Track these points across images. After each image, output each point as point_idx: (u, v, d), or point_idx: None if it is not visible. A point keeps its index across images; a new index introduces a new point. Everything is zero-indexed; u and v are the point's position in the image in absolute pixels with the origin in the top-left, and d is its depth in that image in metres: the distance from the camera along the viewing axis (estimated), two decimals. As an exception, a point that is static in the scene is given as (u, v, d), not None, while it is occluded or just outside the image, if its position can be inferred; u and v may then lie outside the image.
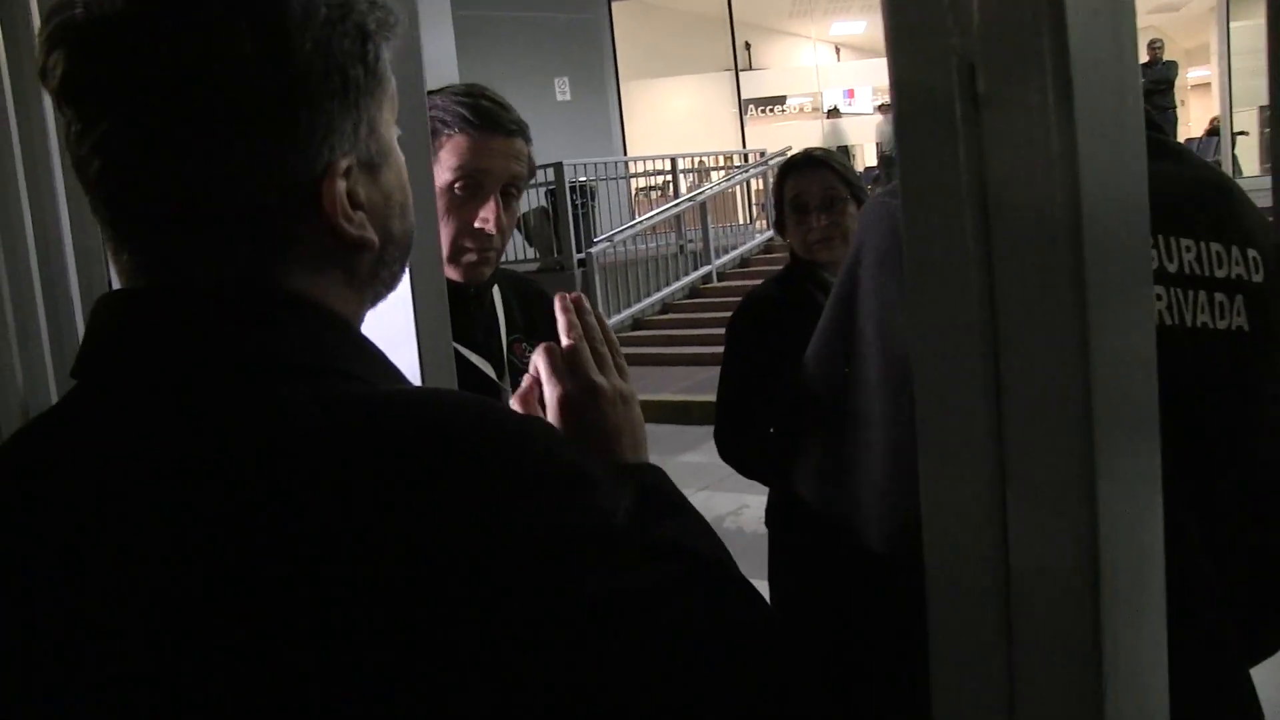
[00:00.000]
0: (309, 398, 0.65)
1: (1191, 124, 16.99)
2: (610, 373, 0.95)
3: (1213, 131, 14.29)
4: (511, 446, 0.65)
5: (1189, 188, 1.11)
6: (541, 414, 0.93)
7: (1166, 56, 13.46)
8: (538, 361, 0.93)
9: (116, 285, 0.73)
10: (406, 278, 1.20)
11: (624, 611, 0.62)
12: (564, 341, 0.94)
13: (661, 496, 0.79)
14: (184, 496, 0.62)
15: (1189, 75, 17.80)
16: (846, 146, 16.03)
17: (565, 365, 0.92)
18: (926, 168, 0.62)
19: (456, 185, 1.63)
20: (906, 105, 0.62)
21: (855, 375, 0.99)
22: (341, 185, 0.71)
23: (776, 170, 2.60)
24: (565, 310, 0.97)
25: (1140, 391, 0.64)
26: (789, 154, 11.31)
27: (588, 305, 1.00)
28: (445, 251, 1.60)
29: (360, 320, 0.79)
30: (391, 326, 1.24)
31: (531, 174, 1.74)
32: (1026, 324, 0.60)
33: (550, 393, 0.91)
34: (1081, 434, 0.59)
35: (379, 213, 0.76)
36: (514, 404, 0.97)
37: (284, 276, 0.71)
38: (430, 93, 1.57)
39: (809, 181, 2.46)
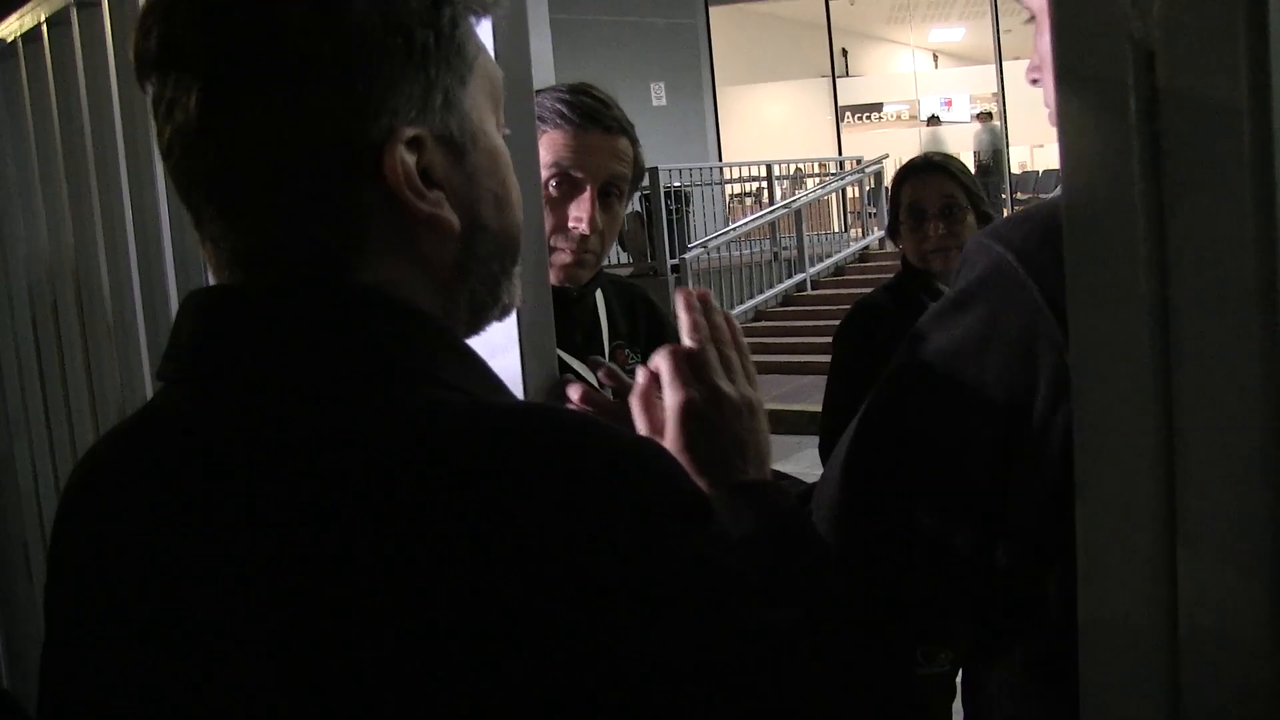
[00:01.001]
0: (404, 406, 0.62)
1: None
2: (739, 379, 0.89)
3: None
4: (623, 469, 0.61)
5: None
6: (660, 417, 0.89)
7: None
8: (661, 363, 0.88)
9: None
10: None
11: (731, 652, 0.59)
12: (687, 342, 0.89)
13: (781, 522, 0.74)
14: (277, 504, 0.60)
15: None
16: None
17: (690, 369, 0.87)
18: (1093, 172, 0.56)
19: (551, 182, 1.57)
20: (1072, 99, 0.56)
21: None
22: (408, 156, 0.67)
23: (895, 173, 2.53)
24: (690, 309, 0.91)
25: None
26: (882, 160, 11.06)
27: (715, 304, 0.94)
28: None
29: (458, 321, 0.75)
30: (492, 329, 1.21)
31: (639, 177, 1.68)
32: (1208, 349, 0.53)
33: (671, 397, 0.86)
34: (1265, 473, 0.52)
35: (462, 195, 0.72)
36: (633, 402, 0.92)
37: (361, 262, 0.68)
38: (537, 91, 1.52)
39: (927, 187, 2.39)
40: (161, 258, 1.86)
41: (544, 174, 1.55)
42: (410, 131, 0.67)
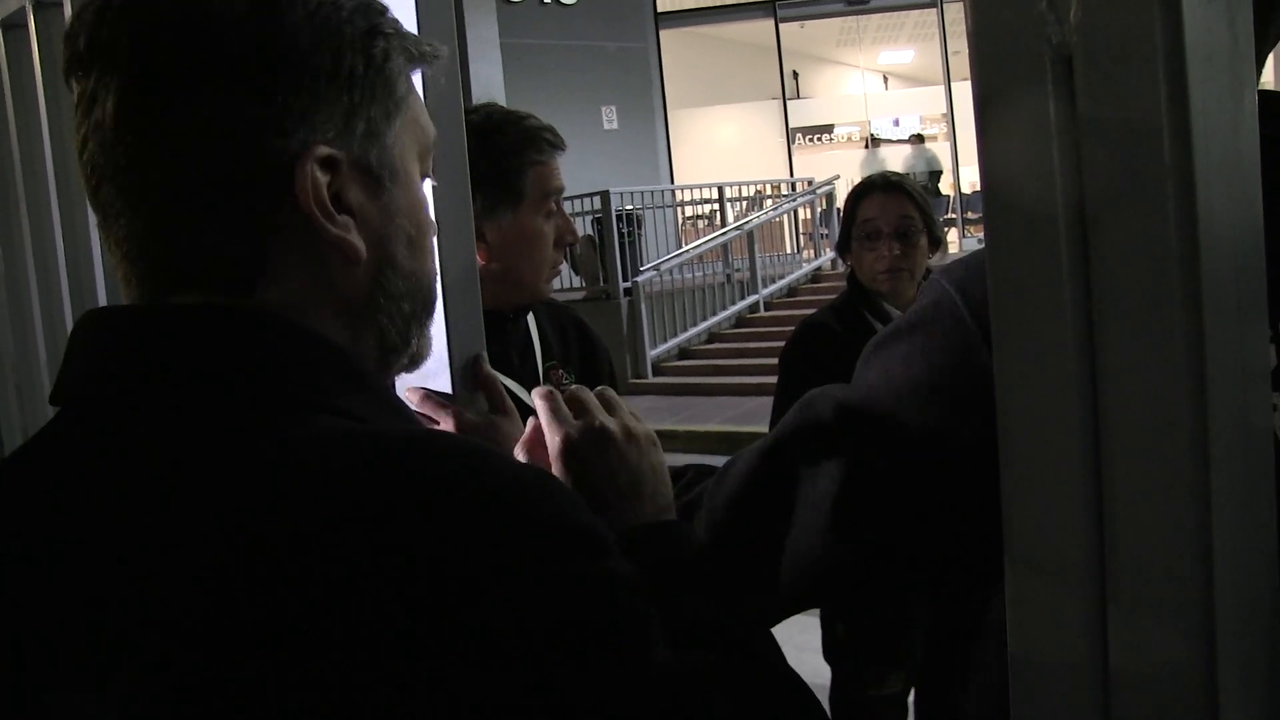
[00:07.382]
0: (298, 435, 0.60)
1: None
2: (620, 413, 0.87)
3: None
4: (511, 499, 0.58)
5: None
6: (547, 464, 0.87)
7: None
8: (537, 405, 0.87)
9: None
10: (441, 319, 1.14)
11: (631, 693, 0.56)
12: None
13: (681, 566, 0.72)
14: (163, 534, 0.57)
15: None
16: (893, 175, 15.94)
17: (568, 407, 0.86)
18: (1014, 180, 0.54)
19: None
20: (991, 106, 0.54)
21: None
22: (320, 175, 0.67)
23: (852, 189, 2.50)
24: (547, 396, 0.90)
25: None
26: (833, 181, 11.07)
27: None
28: None
29: (366, 358, 0.73)
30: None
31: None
32: (1131, 359, 0.51)
33: (552, 438, 0.84)
34: (1191, 487, 0.50)
35: (374, 226, 0.71)
36: (518, 453, 0.91)
37: (265, 281, 0.67)
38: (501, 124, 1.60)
39: (885, 207, 2.37)
40: (58, 279, 1.85)
41: (549, 203, 1.65)
42: (325, 150, 0.67)
